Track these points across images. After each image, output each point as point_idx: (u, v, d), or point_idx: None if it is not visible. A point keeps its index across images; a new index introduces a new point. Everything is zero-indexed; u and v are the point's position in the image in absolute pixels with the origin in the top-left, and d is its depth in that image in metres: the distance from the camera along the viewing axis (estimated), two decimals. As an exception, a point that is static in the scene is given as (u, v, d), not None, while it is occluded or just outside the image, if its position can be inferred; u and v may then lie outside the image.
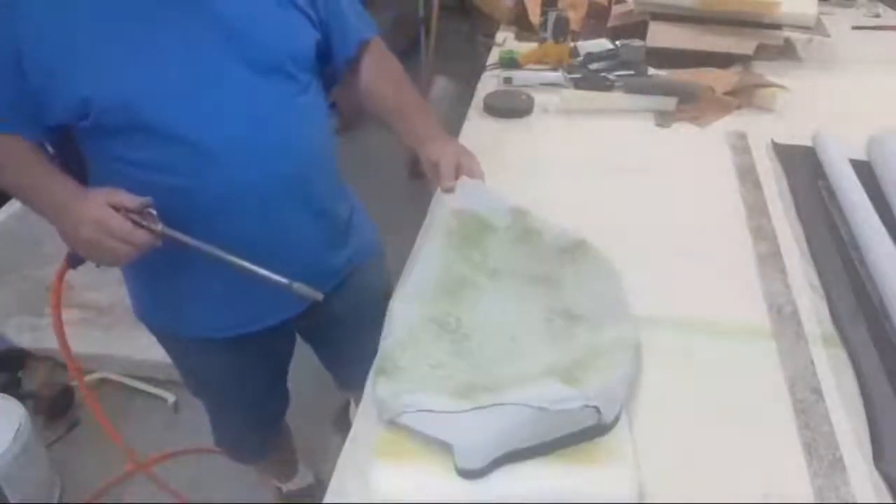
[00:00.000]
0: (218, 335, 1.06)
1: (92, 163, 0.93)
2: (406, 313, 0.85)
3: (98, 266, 0.90)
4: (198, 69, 0.85)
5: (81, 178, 0.93)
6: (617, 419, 0.73)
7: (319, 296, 0.89)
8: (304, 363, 1.37)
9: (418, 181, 1.17)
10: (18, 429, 1.57)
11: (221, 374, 1.18)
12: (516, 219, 1.00)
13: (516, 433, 0.69)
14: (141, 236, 0.82)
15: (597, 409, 0.69)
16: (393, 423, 0.73)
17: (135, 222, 0.82)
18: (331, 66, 1.06)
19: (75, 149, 0.93)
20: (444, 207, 1.00)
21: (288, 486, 1.65)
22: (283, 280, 0.87)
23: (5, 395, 1.68)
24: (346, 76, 1.10)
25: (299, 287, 0.87)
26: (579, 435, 0.71)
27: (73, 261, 0.99)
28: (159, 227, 0.83)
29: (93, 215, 0.80)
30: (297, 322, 1.11)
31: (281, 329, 1.09)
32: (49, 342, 2.07)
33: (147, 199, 0.83)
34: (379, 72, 1.11)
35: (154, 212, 0.84)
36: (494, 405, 0.70)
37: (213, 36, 0.85)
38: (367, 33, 1.10)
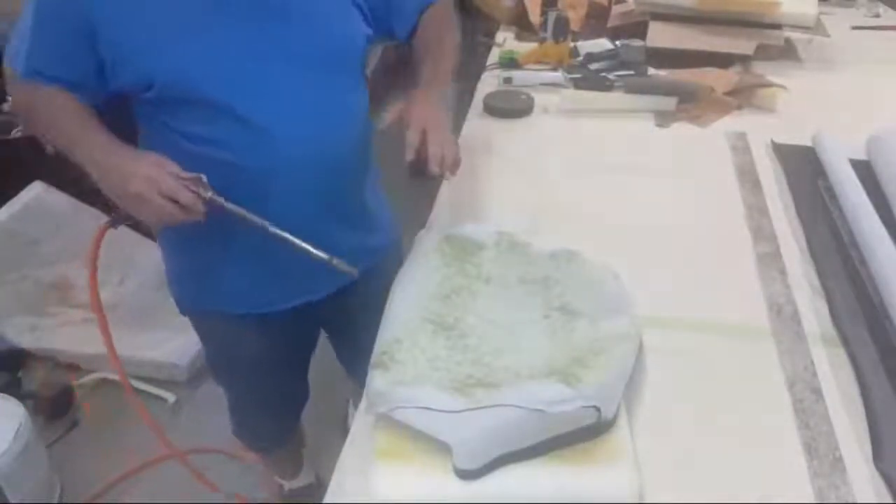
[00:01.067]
0: (248, 311, 1.10)
1: (146, 132, 0.98)
2: (403, 314, 0.86)
3: (140, 221, 0.93)
4: (256, 53, 0.90)
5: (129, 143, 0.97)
6: (616, 417, 0.73)
7: (355, 271, 0.93)
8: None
9: (419, 181, 1.17)
10: (18, 429, 1.57)
11: (248, 355, 1.20)
12: (503, 236, 1.01)
13: (514, 434, 0.69)
14: (188, 198, 0.85)
15: (596, 408, 0.69)
16: (387, 417, 0.73)
17: (185, 186, 0.86)
18: (394, 37, 1.09)
19: (124, 118, 0.96)
20: (433, 234, 1.02)
21: (290, 484, 1.65)
22: (323, 255, 0.91)
23: (5, 395, 1.68)
24: (408, 42, 1.13)
25: (338, 262, 0.91)
26: (578, 434, 0.71)
27: (115, 221, 1.01)
28: (208, 193, 0.87)
29: (145, 171, 0.84)
30: (320, 309, 1.14)
31: (305, 314, 1.13)
32: (49, 342, 2.08)
33: (200, 174, 0.87)
34: (431, 28, 1.13)
35: (205, 179, 0.88)
36: (492, 406, 0.70)
37: (274, 24, 0.90)
38: (426, 1, 1.12)
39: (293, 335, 1.22)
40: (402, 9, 1.07)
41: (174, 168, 0.86)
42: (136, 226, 1.00)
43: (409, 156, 0.97)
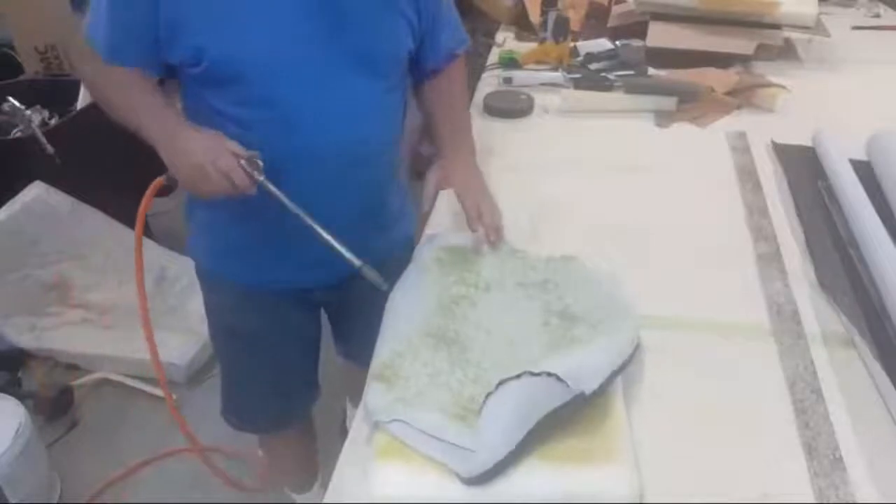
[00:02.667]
0: (259, 282, 1.13)
1: (189, 107, 1.02)
2: (404, 327, 0.86)
3: (190, 193, 0.97)
4: (305, 46, 0.93)
5: None
6: (601, 390, 0.73)
7: (384, 285, 0.95)
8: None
9: (420, 182, 1.18)
10: (18, 429, 1.57)
11: (250, 327, 1.22)
12: (500, 246, 1.02)
13: (508, 428, 0.69)
14: (242, 178, 0.88)
15: (564, 383, 0.69)
16: (382, 429, 0.74)
17: (240, 167, 0.89)
18: (416, 69, 1.12)
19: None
20: (432, 245, 1.03)
21: (301, 498, 1.64)
22: (356, 260, 0.94)
23: (5, 395, 1.68)
24: (424, 80, 1.16)
25: (368, 271, 0.94)
26: (563, 409, 0.70)
27: (167, 188, 1.04)
28: (261, 177, 0.90)
29: (207, 145, 0.88)
30: (327, 291, 1.18)
31: (313, 295, 1.18)
32: (49, 342, 2.08)
33: (256, 152, 0.90)
34: (448, 86, 1.17)
35: (261, 163, 0.90)
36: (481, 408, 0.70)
37: (325, 20, 0.92)
38: (459, 48, 1.16)
39: (297, 314, 1.23)
40: (436, 45, 1.10)
41: (233, 146, 0.89)
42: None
43: (475, 228, 1.02)
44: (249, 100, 0.93)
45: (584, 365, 0.73)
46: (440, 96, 1.16)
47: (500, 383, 0.70)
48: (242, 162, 0.88)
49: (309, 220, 0.92)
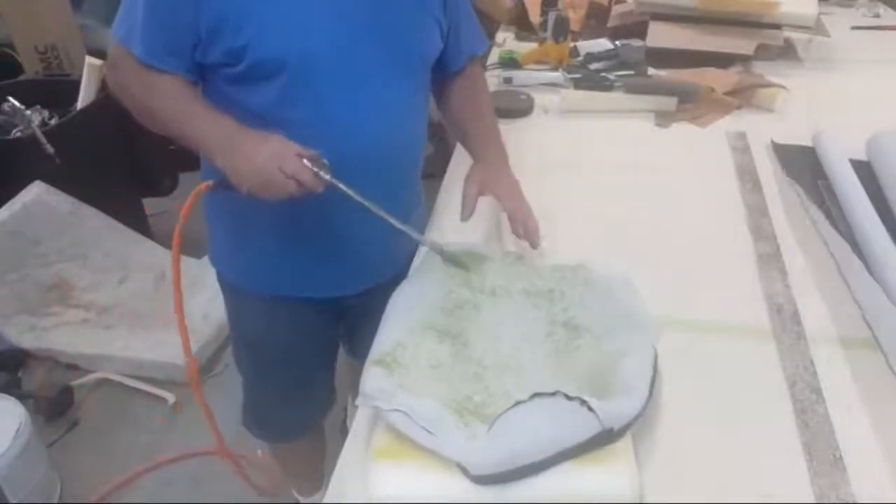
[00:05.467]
0: (281, 293, 1.13)
1: (222, 109, 1.00)
2: (407, 321, 0.86)
3: (248, 195, 0.92)
4: (343, 43, 0.93)
5: None
6: (626, 429, 0.72)
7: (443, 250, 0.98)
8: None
9: (426, 181, 1.18)
10: (18, 429, 1.56)
11: (271, 338, 1.21)
12: (508, 253, 1.03)
13: (527, 443, 0.68)
14: (310, 178, 0.87)
15: (596, 415, 0.69)
16: (379, 417, 0.73)
17: (306, 167, 0.88)
18: (439, 71, 1.11)
19: None
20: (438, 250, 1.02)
21: (308, 500, 1.64)
22: (419, 235, 0.98)
23: (5, 395, 1.68)
24: (445, 83, 1.16)
25: (433, 242, 0.98)
26: (589, 444, 0.70)
27: (218, 185, 0.97)
28: (328, 176, 0.89)
29: (274, 147, 0.87)
30: (346, 304, 1.18)
31: (333, 306, 1.19)
32: (49, 342, 2.08)
33: (316, 151, 0.89)
34: (472, 88, 1.17)
35: (326, 161, 0.89)
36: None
37: (364, 18, 0.93)
38: (479, 49, 1.17)
39: (320, 324, 1.23)
40: (458, 46, 1.11)
41: (297, 147, 0.88)
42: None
43: (519, 233, 1.02)
44: (287, 98, 0.93)
45: (616, 400, 0.72)
46: (467, 99, 1.16)
47: (534, 396, 0.70)
48: (307, 162, 0.87)
49: (380, 212, 0.92)
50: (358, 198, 0.91)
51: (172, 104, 0.93)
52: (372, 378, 0.76)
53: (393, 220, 0.93)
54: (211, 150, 0.91)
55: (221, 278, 1.19)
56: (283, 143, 0.87)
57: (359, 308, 1.23)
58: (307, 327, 1.20)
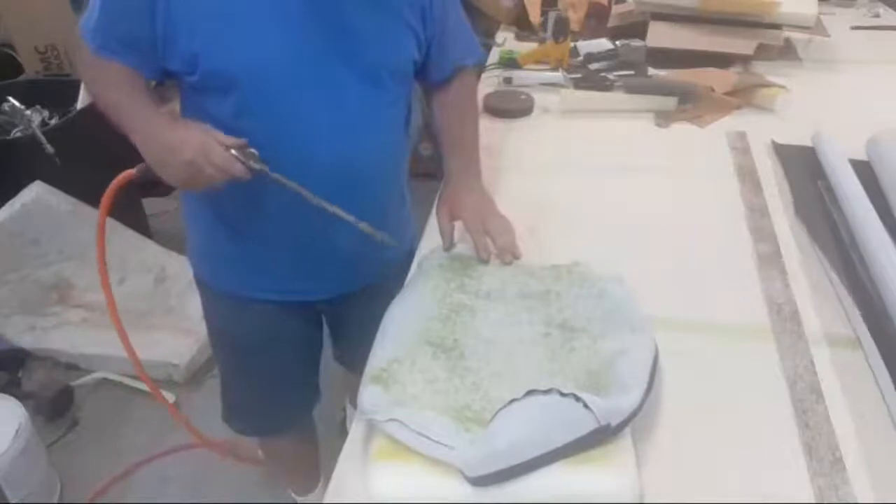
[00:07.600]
0: (257, 296, 1.12)
1: (187, 117, 0.99)
2: (402, 334, 0.85)
3: (178, 187, 0.95)
4: (299, 57, 0.91)
5: None
6: (625, 424, 0.72)
7: (399, 244, 0.98)
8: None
9: (419, 181, 1.17)
10: (18, 429, 1.57)
11: (249, 335, 1.21)
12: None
13: (523, 441, 0.68)
14: (238, 168, 0.88)
15: (591, 412, 0.69)
16: (377, 428, 0.73)
17: (235, 157, 0.88)
18: (423, 80, 1.11)
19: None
20: (436, 255, 1.03)
21: (304, 499, 1.64)
22: (368, 228, 0.94)
23: (5, 395, 1.68)
24: (432, 92, 1.15)
25: (383, 236, 0.96)
26: (586, 440, 0.70)
27: (141, 171, 1.01)
28: (257, 165, 0.89)
29: (198, 140, 0.87)
30: (326, 307, 1.18)
31: (313, 308, 1.18)
32: (49, 342, 2.08)
33: (243, 140, 0.89)
34: (454, 99, 1.15)
35: (255, 151, 0.89)
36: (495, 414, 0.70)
37: (324, 30, 0.91)
38: (467, 60, 1.14)
39: (297, 322, 1.22)
40: (443, 56, 1.08)
41: (221, 136, 0.88)
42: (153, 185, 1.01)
43: (487, 258, 1.00)
44: (244, 110, 0.92)
45: (613, 397, 0.72)
46: (446, 110, 1.14)
47: (529, 393, 0.69)
48: (234, 151, 0.87)
49: (311, 195, 0.91)
50: (292, 185, 0.90)
51: (115, 94, 0.94)
52: (370, 395, 0.76)
53: (328, 206, 0.92)
54: (141, 142, 0.91)
55: (195, 274, 1.20)
56: (207, 134, 0.88)
57: (336, 313, 1.23)
58: (279, 327, 1.19)
